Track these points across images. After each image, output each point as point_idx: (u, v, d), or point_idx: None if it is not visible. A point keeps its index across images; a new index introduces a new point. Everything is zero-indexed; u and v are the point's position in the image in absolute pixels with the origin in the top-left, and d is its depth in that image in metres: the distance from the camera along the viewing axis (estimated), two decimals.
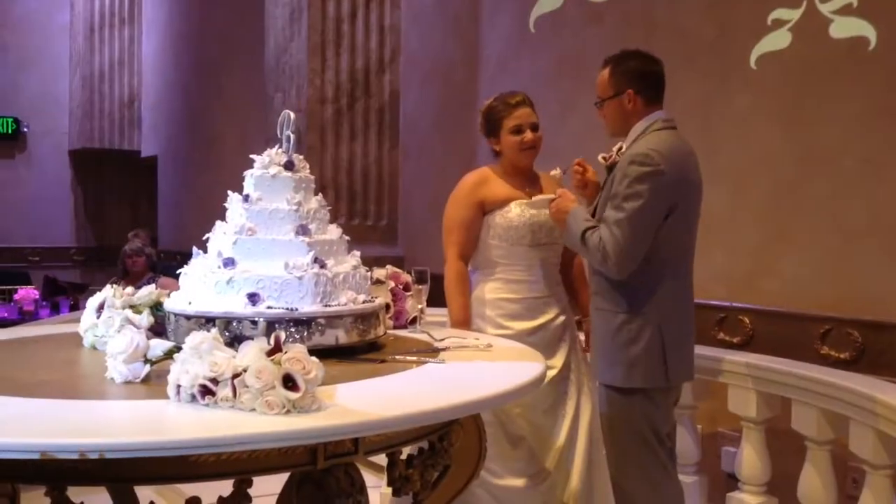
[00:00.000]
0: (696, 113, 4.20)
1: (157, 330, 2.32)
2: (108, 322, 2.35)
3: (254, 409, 1.65)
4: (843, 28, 3.80)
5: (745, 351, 3.75)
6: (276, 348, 1.71)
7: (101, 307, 2.43)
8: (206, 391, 1.69)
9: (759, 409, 3.22)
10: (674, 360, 2.69)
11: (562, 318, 3.04)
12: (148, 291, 2.52)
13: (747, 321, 4.11)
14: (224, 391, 1.68)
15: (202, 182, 9.19)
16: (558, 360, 2.97)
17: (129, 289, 2.56)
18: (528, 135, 3.02)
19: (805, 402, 3.01)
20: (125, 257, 5.80)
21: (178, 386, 1.72)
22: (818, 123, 3.89)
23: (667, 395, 2.76)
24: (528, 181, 3.08)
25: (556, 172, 3.11)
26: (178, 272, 2.44)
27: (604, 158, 2.81)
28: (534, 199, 3.01)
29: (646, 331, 2.66)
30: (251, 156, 2.50)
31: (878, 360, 3.60)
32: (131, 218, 11.33)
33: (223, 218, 2.47)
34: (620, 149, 2.76)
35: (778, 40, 4.04)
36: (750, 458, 3.25)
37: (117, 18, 11.31)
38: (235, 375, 1.67)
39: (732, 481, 3.48)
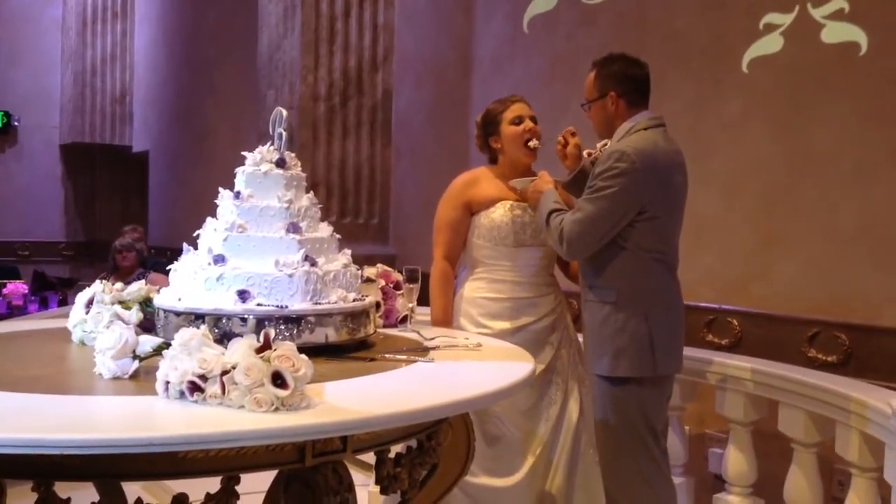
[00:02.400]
0: (689, 115, 4.22)
1: (147, 326, 2.31)
2: (97, 317, 2.35)
3: (242, 406, 1.65)
4: (835, 33, 3.82)
5: (733, 353, 3.76)
6: (266, 345, 1.71)
7: (89, 302, 2.42)
8: (194, 388, 1.69)
9: (746, 411, 3.23)
10: (662, 349, 2.71)
11: (548, 320, 3.02)
12: (137, 287, 2.52)
13: (736, 323, 4.12)
14: (213, 388, 1.68)
15: (193, 178, 9.16)
16: (541, 363, 2.94)
17: (119, 284, 2.55)
18: (529, 123, 3.05)
19: (792, 404, 3.02)
20: (115, 252, 5.77)
21: (167, 382, 1.72)
22: (810, 127, 3.91)
23: (660, 386, 2.77)
24: None
25: (533, 143, 3.09)
26: (168, 268, 2.43)
27: (588, 154, 2.89)
28: (515, 179, 3.01)
29: (632, 320, 2.69)
30: (243, 152, 2.50)
31: (866, 364, 3.62)
32: (122, 213, 11.28)
33: (214, 214, 2.47)
34: (605, 146, 2.81)
35: (770, 44, 4.06)
36: (737, 460, 3.26)
37: (110, 13, 11.27)
38: (224, 372, 1.67)
39: (719, 483, 3.49)
